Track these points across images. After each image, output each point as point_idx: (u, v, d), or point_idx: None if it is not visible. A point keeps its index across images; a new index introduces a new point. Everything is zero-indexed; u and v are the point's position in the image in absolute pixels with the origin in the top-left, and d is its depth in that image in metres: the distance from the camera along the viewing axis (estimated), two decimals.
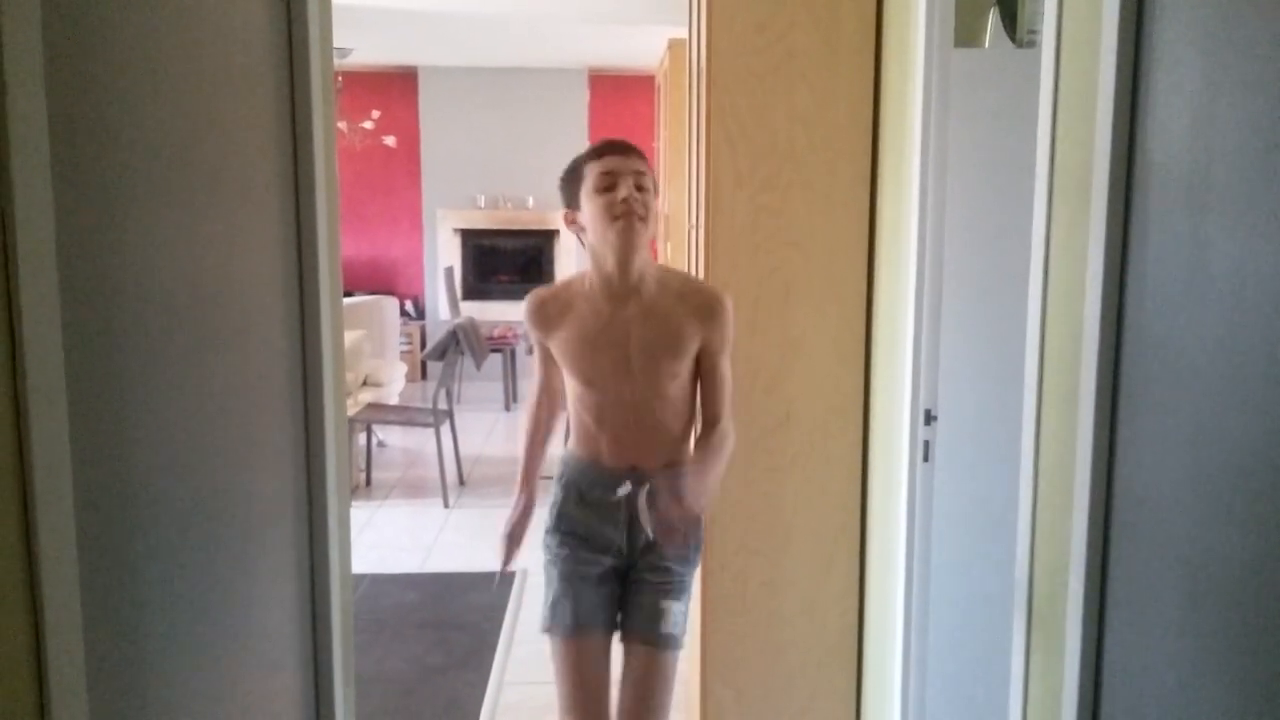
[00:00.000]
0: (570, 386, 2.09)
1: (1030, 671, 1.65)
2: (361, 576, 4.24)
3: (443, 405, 5.55)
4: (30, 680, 1.03)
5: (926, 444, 2.27)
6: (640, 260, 1.98)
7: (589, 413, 2.07)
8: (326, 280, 1.95)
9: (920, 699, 2.33)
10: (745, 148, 2.56)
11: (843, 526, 2.69)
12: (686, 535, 1.96)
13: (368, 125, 8.11)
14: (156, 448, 1.36)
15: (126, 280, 1.28)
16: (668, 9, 5.52)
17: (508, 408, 7.80)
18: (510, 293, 8.86)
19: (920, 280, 2.22)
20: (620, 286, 1.99)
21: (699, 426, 2.17)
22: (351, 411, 5.36)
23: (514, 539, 2.21)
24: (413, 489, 5.71)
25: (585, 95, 8.67)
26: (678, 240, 5.63)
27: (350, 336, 5.66)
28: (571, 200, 2.03)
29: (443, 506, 5.30)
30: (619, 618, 2.11)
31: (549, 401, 2.27)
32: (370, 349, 6.31)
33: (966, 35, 2.69)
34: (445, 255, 8.71)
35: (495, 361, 7.82)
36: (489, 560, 4.51)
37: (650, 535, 2.03)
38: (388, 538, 4.86)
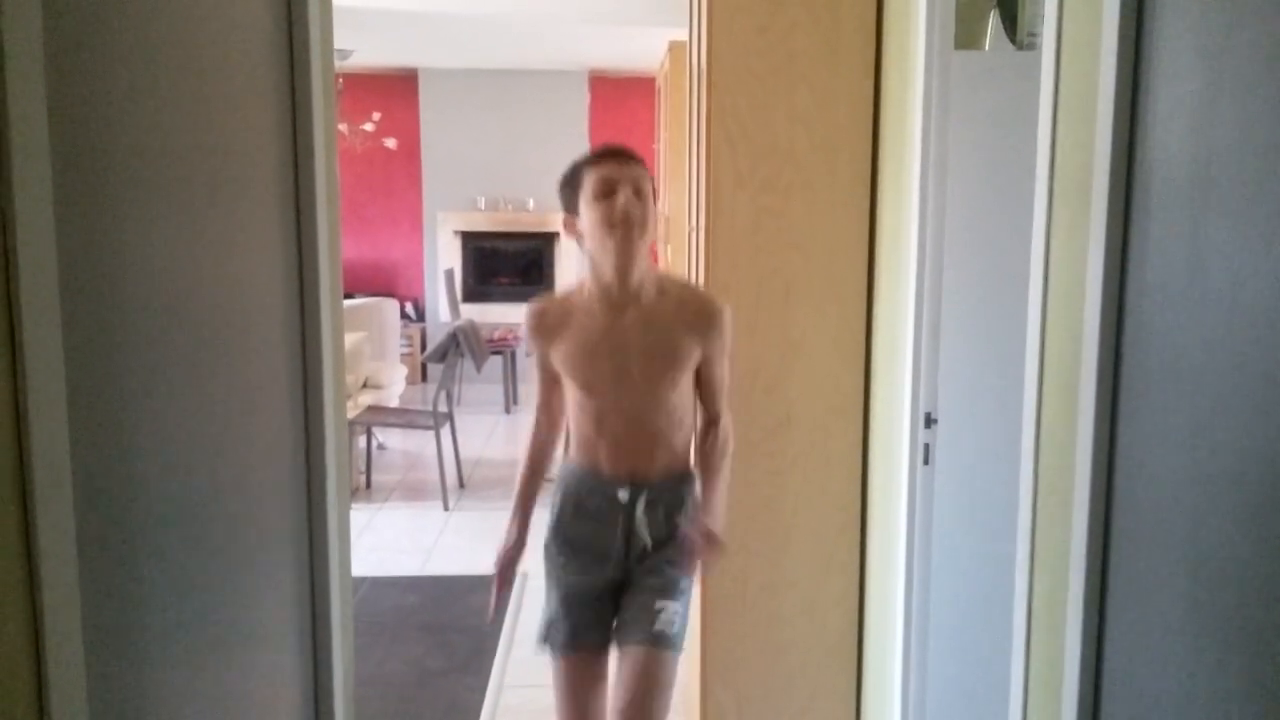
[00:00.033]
0: (570, 394, 2.09)
1: (1030, 672, 1.64)
2: (361, 579, 4.23)
3: (443, 408, 5.55)
4: (30, 680, 1.03)
5: (927, 447, 2.27)
6: (639, 268, 1.97)
7: (588, 420, 2.06)
8: (327, 282, 1.95)
9: (920, 700, 2.33)
10: (746, 149, 2.56)
11: (843, 528, 2.69)
12: (712, 550, 1.99)
13: (368, 127, 8.11)
14: (157, 449, 1.36)
15: (127, 281, 1.28)
16: (668, 11, 5.52)
17: (508, 410, 7.80)
18: (510, 295, 8.87)
19: (920, 282, 2.22)
20: (619, 294, 1.98)
21: (699, 429, 2.17)
22: (351, 414, 5.36)
23: (504, 579, 2.17)
24: (413, 491, 5.71)
25: (586, 97, 8.68)
26: (678, 241, 5.63)
27: (350, 339, 5.66)
28: (570, 206, 2.02)
29: (443, 509, 5.30)
30: (615, 627, 2.10)
31: (549, 426, 2.23)
32: (370, 351, 6.31)
33: (967, 38, 2.69)
34: (445, 257, 8.71)
35: (495, 364, 7.82)
36: (488, 563, 4.50)
37: (648, 545, 2.04)
38: (388, 540, 4.86)
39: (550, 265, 8.89)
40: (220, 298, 1.55)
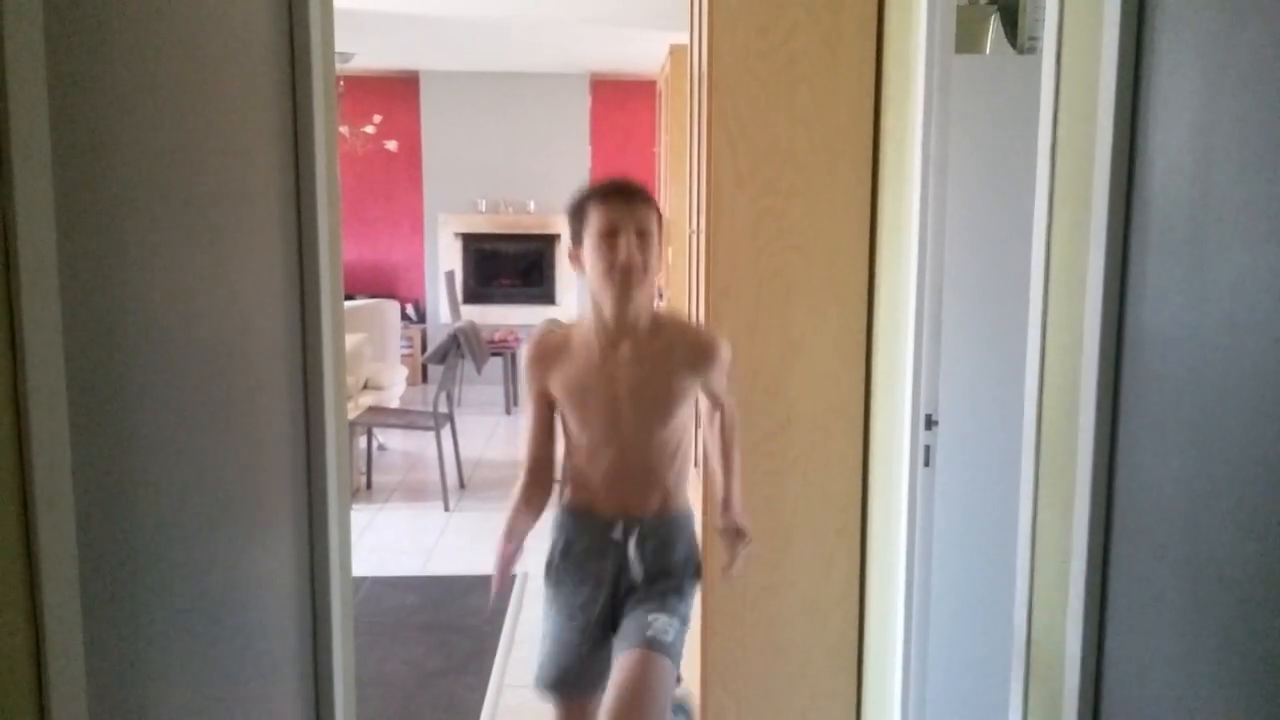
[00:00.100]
0: (565, 429, 2.10)
1: (1031, 672, 1.64)
2: (362, 579, 4.23)
3: (443, 408, 5.56)
4: (30, 681, 1.03)
5: (927, 448, 2.27)
6: (636, 309, 1.99)
7: (582, 455, 2.08)
8: (328, 284, 1.95)
9: (920, 700, 2.33)
10: (746, 150, 2.57)
11: (843, 529, 2.69)
12: (742, 544, 2.09)
13: (369, 130, 8.12)
14: (157, 450, 1.36)
15: (127, 281, 1.28)
16: (669, 14, 5.53)
17: (508, 411, 7.80)
18: (511, 297, 8.88)
19: (921, 284, 2.22)
20: (615, 331, 2.00)
21: (704, 413, 2.21)
22: (352, 415, 5.36)
23: (503, 581, 2.13)
24: (413, 492, 5.71)
25: (587, 100, 8.68)
26: (679, 243, 5.63)
27: (351, 340, 5.66)
28: (576, 238, 2.02)
29: (443, 510, 5.30)
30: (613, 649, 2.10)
31: (536, 486, 2.15)
32: (371, 352, 6.31)
33: (967, 41, 2.69)
34: (446, 259, 8.72)
35: (496, 365, 7.82)
36: (489, 564, 4.50)
37: (637, 580, 2.05)
38: (388, 541, 4.86)
39: (551, 267, 8.89)
40: (221, 299, 1.56)
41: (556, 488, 2.21)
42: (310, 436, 1.94)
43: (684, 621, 2.05)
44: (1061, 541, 1.51)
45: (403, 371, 6.82)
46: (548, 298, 8.88)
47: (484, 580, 4.29)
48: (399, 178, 8.78)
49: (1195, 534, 1.19)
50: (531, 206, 8.69)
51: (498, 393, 8.01)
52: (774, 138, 2.56)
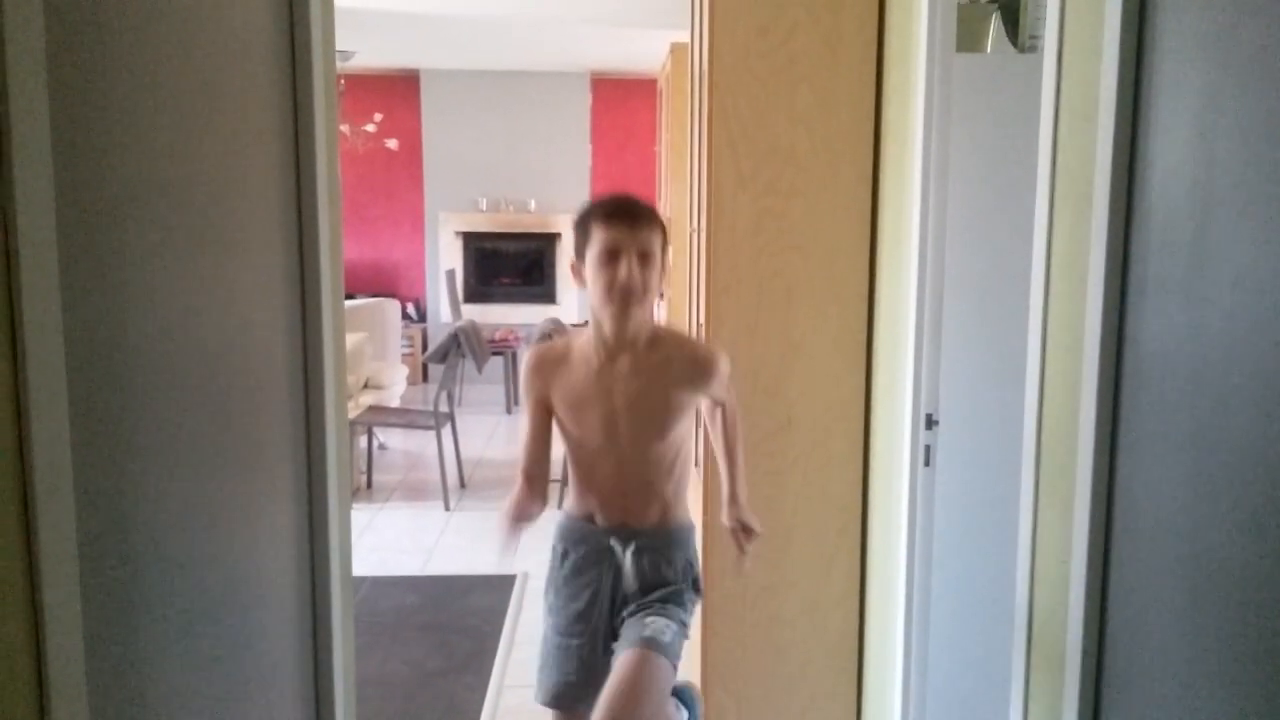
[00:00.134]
0: (565, 441, 2.10)
1: (1031, 673, 1.64)
2: (362, 579, 4.23)
3: (444, 408, 5.55)
4: (30, 681, 1.03)
5: (928, 449, 2.27)
6: (634, 327, 1.98)
7: (581, 468, 2.09)
8: (328, 283, 1.95)
9: (920, 701, 2.33)
10: (747, 150, 2.56)
11: (843, 529, 2.69)
12: (751, 542, 2.13)
13: (370, 128, 8.12)
14: (157, 449, 1.36)
15: (128, 280, 1.28)
16: (670, 12, 5.53)
17: (509, 410, 7.80)
18: (512, 296, 8.88)
19: (921, 284, 2.22)
20: (614, 347, 2.01)
21: (707, 410, 2.21)
22: (352, 414, 5.36)
23: (518, 524, 2.09)
24: (413, 492, 5.71)
25: (587, 99, 8.68)
26: (679, 243, 5.63)
27: (352, 339, 5.66)
28: (578, 252, 2.01)
29: (443, 509, 5.30)
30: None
31: (536, 484, 2.12)
32: (371, 351, 6.31)
33: (968, 40, 2.69)
34: (447, 258, 8.72)
35: (496, 364, 7.82)
36: (490, 563, 4.51)
37: (633, 591, 2.05)
38: (388, 540, 4.86)
39: (551, 266, 8.89)
40: (221, 298, 1.56)
41: (554, 495, 2.21)
42: (310, 436, 1.94)
43: (682, 626, 2.05)
44: (1061, 541, 1.50)
45: (403, 371, 6.82)
46: (548, 297, 8.88)
47: (484, 580, 4.29)
48: (399, 176, 8.78)
49: (1195, 534, 1.19)
50: (532, 205, 8.68)
51: (498, 392, 8.01)
52: (774, 138, 2.56)
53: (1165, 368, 1.25)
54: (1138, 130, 1.32)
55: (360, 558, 4.33)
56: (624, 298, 1.93)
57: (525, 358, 2.13)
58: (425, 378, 8.57)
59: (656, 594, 2.04)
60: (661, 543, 2.07)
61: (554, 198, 8.56)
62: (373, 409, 5.84)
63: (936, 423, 2.27)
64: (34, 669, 1.04)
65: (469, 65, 8.31)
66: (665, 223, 2.04)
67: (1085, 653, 1.42)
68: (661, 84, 7.20)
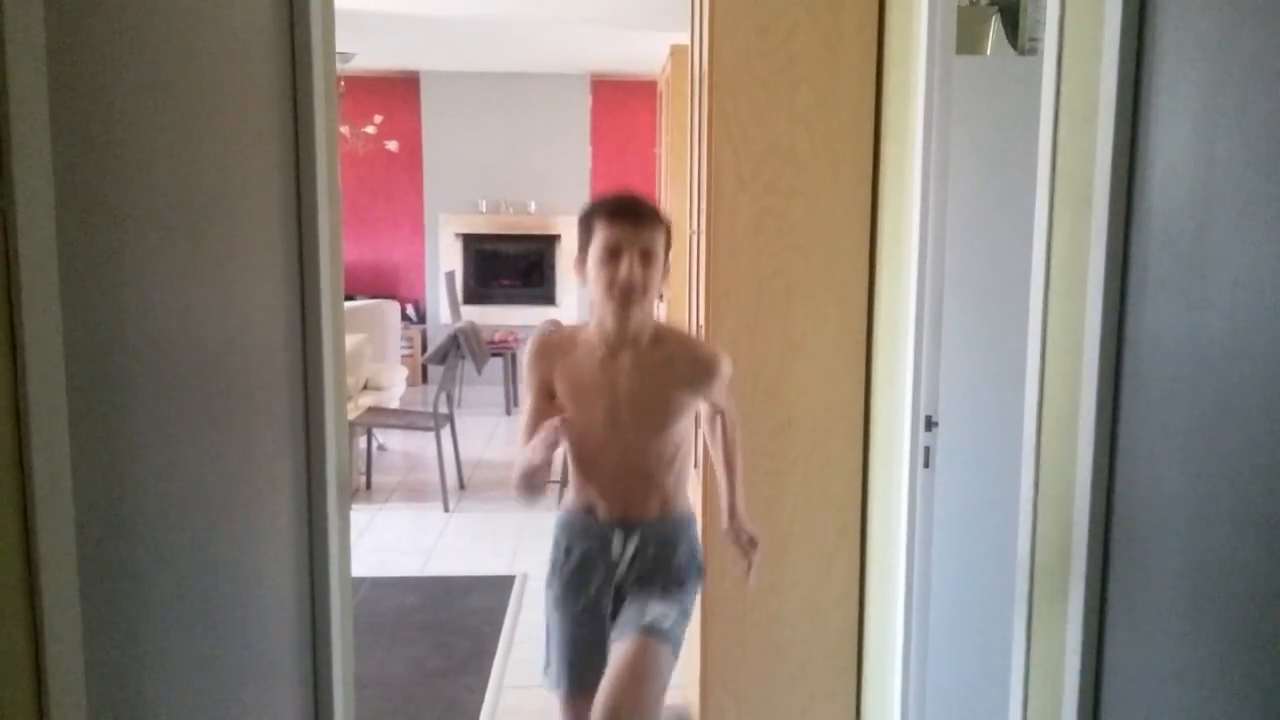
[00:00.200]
0: (566, 434, 2.10)
1: (1031, 673, 1.64)
2: (361, 580, 4.23)
3: (443, 409, 5.55)
4: (30, 683, 1.03)
5: (927, 449, 2.27)
6: (635, 324, 1.99)
7: (582, 460, 2.09)
8: (328, 284, 1.95)
9: (920, 701, 2.33)
10: (747, 151, 2.56)
11: (843, 529, 2.69)
12: (754, 552, 2.15)
13: (370, 130, 8.13)
14: (157, 450, 1.36)
15: (127, 283, 1.28)
16: (670, 14, 5.53)
17: (508, 412, 7.80)
18: (511, 297, 8.88)
19: (921, 285, 2.22)
20: (616, 343, 2.02)
21: (706, 417, 2.22)
22: (352, 415, 5.36)
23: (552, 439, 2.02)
24: (413, 492, 5.71)
25: (588, 100, 8.68)
26: (679, 244, 5.63)
27: (351, 340, 5.66)
28: (581, 247, 2.03)
29: (443, 510, 5.30)
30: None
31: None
32: (371, 353, 6.31)
33: (968, 42, 2.69)
34: (447, 259, 8.72)
35: (496, 365, 7.82)
36: (489, 564, 4.51)
37: (636, 580, 2.06)
38: (388, 541, 4.86)
39: (551, 268, 8.89)
40: (221, 299, 1.56)
41: (554, 488, 2.21)
42: (310, 437, 1.94)
43: (684, 613, 2.06)
44: (1061, 540, 1.50)
45: (403, 372, 6.82)
46: (548, 298, 8.88)
47: (484, 581, 4.29)
48: (399, 178, 8.78)
49: (1195, 534, 1.19)
50: (532, 207, 8.69)
51: (498, 393, 8.01)
52: (774, 138, 2.56)
53: (1165, 368, 1.26)
54: (1137, 131, 1.33)
55: (360, 558, 4.33)
56: (624, 296, 1.94)
57: (529, 344, 2.13)
58: (425, 379, 8.57)
59: (659, 579, 2.05)
60: (664, 534, 2.08)
61: (554, 199, 8.56)
62: (372, 410, 5.84)
63: (936, 424, 2.27)
64: (33, 670, 1.04)
65: (469, 67, 8.31)
66: (671, 223, 2.04)
67: (1084, 652, 1.42)
68: (661, 86, 7.20)
